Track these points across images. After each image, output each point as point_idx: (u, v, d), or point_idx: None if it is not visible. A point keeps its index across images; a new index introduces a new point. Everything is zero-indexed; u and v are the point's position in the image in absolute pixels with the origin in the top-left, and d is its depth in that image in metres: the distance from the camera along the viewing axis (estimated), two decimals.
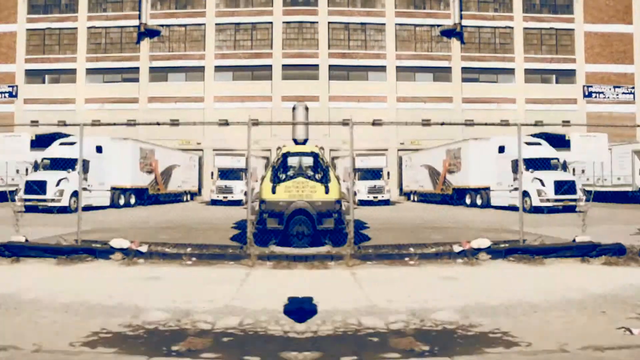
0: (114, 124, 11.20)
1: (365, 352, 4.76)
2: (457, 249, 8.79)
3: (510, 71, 44.07)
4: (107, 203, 26.43)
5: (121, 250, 9.36)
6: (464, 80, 43.65)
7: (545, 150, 24.71)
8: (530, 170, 23.31)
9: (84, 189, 23.30)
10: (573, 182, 23.02)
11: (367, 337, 5.24)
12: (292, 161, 11.62)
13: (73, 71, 43.41)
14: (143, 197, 29.76)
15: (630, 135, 40.98)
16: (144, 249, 9.43)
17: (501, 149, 25.96)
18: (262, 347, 4.86)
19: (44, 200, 22.37)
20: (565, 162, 24.53)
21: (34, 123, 35.30)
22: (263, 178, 11.73)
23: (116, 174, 26.86)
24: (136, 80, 43.26)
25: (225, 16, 43.60)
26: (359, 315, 5.88)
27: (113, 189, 27.01)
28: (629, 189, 29.74)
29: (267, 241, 10.66)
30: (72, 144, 24.64)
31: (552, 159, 24.35)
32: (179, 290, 7.05)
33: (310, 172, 11.01)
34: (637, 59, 44.51)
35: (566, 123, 40.39)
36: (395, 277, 7.82)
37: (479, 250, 8.75)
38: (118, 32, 43.72)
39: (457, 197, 29.60)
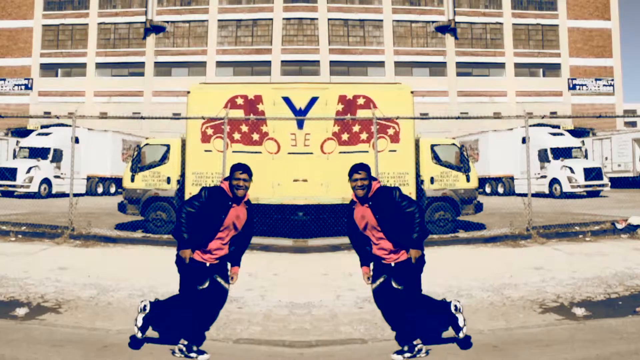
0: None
1: None
2: (618, 226, 10.07)
3: (501, 65, 46.16)
4: (83, 191, 27.06)
5: None
6: (459, 74, 45.43)
7: (568, 140, 26.45)
8: (560, 158, 24.96)
9: (57, 177, 25.56)
10: (599, 168, 24.87)
11: None
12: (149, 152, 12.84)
13: (83, 65, 44.57)
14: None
15: (612, 126, 43.91)
16: None
17: (525, 140, 27.51)
18: None
19: (14, 186, 23.73)
20: (586, 150, 26.31)
21: (47, 114, 35.76)
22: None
23: (94, 164, 27.75)
24: (142, 74, 44.19)
25: (227, 12, 44.26)
26: (625, 280, 6.94)
27: (90, 177, 27.88)
28: (630, 174, 31.95)
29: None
30: (47, 134, 26.65)
31: (575, 147, 26.12)
32: None
33: (454, 163, 12.05)
34: (616, 53, 47.42)
35: (553, 114, 42.86)
36: (594, 251, 8.97)
37: (637, 226, 10.03)
38: (126, 28, 44.57)
39: None
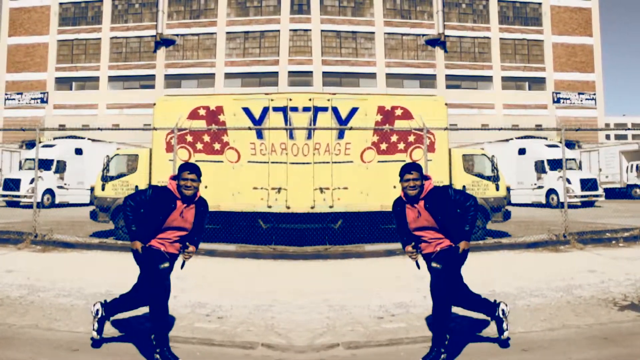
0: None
1: None
2: None
3: (489, 78, 47.37)
4: (87, 201, 27.59)
5: None
6: (448, 87, 46.43)
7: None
8: (558, 170, 25.77)
9: (61, 187, 26.73)
10: (595, 179, 25.79)
11: None
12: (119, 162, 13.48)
13: (97, 79, 45.95)
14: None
15: (593, 138, 45.48)
16: None
17: (522, 151, 28.46)
18: None
19: (18, 197, 24.55)
20: (581, 162, 27.23)
21: (62, 127, 35.97)
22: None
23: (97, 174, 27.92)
24: (152, 87, 45.04)
25: (235, 25, 45.18)
26: None
27: (93, 188, 27.87)
28: (617, 185, 33.10)
29: None
30: (51, 146, 27.63)
31: (570, 159, 27.02)
32: None
33: (486, 172, 12.57)
34: (597, 68, 49.08)
35: (538, 127, 44.14)
36: (635, 256, 9.52)
37: None
38: (137, 41, 45.78)
39: None
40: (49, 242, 11.29)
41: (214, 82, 44.54)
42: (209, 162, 11.60)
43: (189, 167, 4.65)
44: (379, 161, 11.78)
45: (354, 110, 11.86)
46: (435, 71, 46.41)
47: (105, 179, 12.99)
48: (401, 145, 11.90)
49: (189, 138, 12.04)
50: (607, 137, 60.61)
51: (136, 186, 12.31)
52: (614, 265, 8.69)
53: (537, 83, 48.29)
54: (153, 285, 4.57)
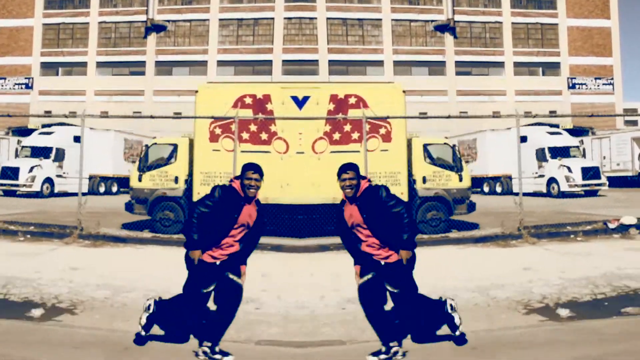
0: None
1: None
2: (611, 225, 10.01)
3: (500, 64, 46.04)
4: (85, 190, 27.03)
5: None
6: (458, 73, 45.32)
7: (566, 139, 26.37)
8: (558, 158, 24.89)
9: (59, 176, 25.61)
10: (597, 167, 24.79)
11: None
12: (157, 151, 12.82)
13: (84, 64, 44.49)
14: (128, 185, 30.39)
15: (611, 125, 43.81)
16: None
17: (523, 139, 27.39)
18: None
19: (17, 186, 23.71)
20: (584, 149, 26.23)
21: (47, 113, 35.89)
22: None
23: (96, 163, 27.19)
24: (142, 73, 44.13)
25: (228, 12, 44.28)
26: (614, 281, 6.88)
27: (92, 177, 27.59)
28: (629, 173, 31.84)
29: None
30: (49, 133, 26.77)
31: (573, 147, 26.03)
32: None
33: (447, 162, 12.01)
34: (615, 52, 47.30)
35: (553, 113, 42.88)
36: (586, 251, 8.91)
37: (629, 226, 9.98)
38: (127, 27, 44.58)
39: (473, 185, 30.86)
40: (97, 236, 10.72)
41: (206, 69, 43.92)
42: (255, 152, 11.18)
43: (253, 167, 4.75)
44: (331, 152, 11.31)
45: (305, 99, 11.40)
46: (445, 58, 45.27)
47: (143, 169, 12.39)
48: (355, 135, 11.40)
49: (233, 127, 11.47)
50: (634, 123, 58.50)
51: (176, 177, 11.93)
52: (556, 262, 8.11)
53: (551, 68, 46.77)
54: (199, 300, 4.64)
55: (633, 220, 10.11)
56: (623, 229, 10.07)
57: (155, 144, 12.99)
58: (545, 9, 46.81)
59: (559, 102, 45.60)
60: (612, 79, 46.99)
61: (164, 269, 7.69)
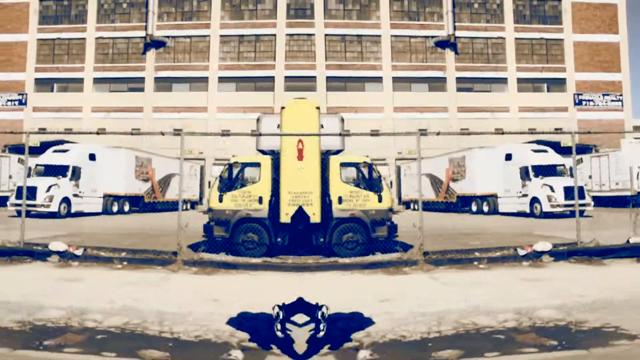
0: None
1: (503, 349, 5.07)
2: (521, 252, 9.29)
3: (503, 80, 45.08)
4: (100, 210, 26.86)
5: (58, 252, 9.98)
6: (459, 89, 44.51)
7: (552, 157, 25.45)
8: (540, 176, 24.00)
9: (76, 195, 24.95)
10: (581, 187, 23.74)
11: (491, 334, 5.59)
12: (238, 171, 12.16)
13: (80, 80, 44.23)
14: (139, 204, 29.99)
15: (616, 144, 42.28)
16: (79, 252, 10.00)
17: (508, 157, 26.67)
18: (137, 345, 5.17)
19: (34, 206, 22.61)
20: (571, 168, 25.16)
21: (42, 130, 35.88)
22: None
23: (109, 181, 27.27)
24: (141, 90, 43.96)
25: (229, 28, 44.35)
26: (468, 316, 6.22)
27: (106, 196, 27.31)
28: (628, 193, 30.55)
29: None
30: (64, 151, 25.94)
31: (559, 165, 25.08)
32: (93, 291, 7.39)
33: (363, 182, 11.40)
34: (624, 68, 45.90)
35: (558, 130, 41.62)
36: (477, 280, 8.21)
37: (542, 252, 9.24)
38: (125, 42, 44.48)
39: (462, 204, 30.02)
40: (202, 262, 10.00)
41: (207, 85, 43.86)
42: None
43: None
44: None
45: None
46: (445, 74, 44.52)
47: (223, 189, 11.65)
48: None
49: None
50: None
51: (260, 197, 11.27)
52: (427, 293, 7.41)
53: (557, 84, 45.59)
54: None
55: (547, 247, 9.34)
56: (535, 256, 9.30)
57: (237, 162, 12.23)
58: (550, 24, 45.79)
59: (565, 119, 44.34)
60: (621, 95, 45.57)
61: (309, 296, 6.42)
